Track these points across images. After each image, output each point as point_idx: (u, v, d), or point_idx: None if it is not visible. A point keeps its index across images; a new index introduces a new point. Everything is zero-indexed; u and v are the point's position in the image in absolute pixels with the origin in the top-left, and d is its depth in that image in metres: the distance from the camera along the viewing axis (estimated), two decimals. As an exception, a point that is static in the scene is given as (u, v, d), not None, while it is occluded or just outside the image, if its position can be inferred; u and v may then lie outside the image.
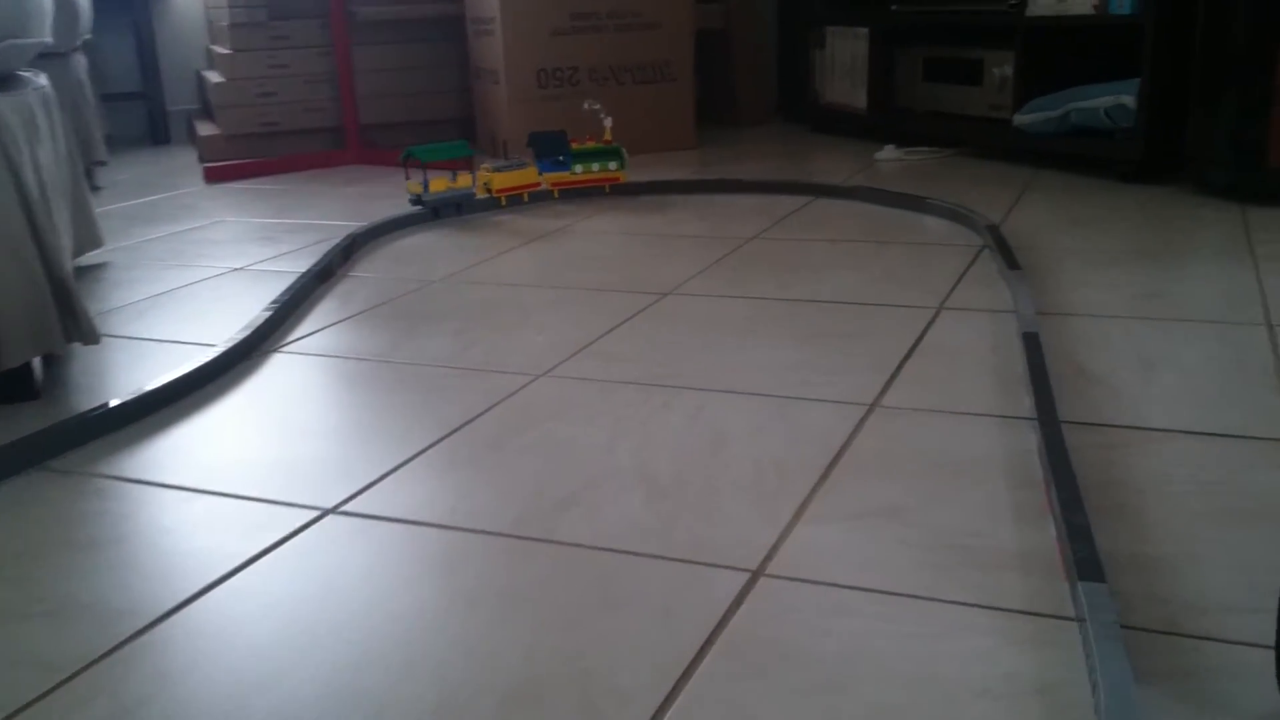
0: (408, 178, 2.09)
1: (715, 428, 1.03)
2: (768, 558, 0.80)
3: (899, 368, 1.15)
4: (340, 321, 1.42)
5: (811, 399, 1.09)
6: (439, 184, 2.02)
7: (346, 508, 0.91)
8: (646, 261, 1.66)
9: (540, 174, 2.09)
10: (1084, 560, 0.72)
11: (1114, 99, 1.91)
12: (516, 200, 2.12)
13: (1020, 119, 2.15)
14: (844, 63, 2.70)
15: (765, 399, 1.10)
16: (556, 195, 2.14)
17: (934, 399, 1.07)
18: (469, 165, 2.19)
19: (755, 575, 0.78)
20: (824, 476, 0.92)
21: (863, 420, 1.03)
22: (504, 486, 0.94)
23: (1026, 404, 1.04)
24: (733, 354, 1.23)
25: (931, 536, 0.81)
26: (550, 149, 2.07)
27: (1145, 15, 1.85)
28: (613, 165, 2.11)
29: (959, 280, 1.46)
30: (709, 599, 0.75)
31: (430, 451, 1.01)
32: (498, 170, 2.07)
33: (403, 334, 1.36)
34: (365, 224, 1.94)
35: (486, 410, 1.11)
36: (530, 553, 0.83)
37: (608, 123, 2.11)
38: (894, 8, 2.51)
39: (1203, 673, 0.64)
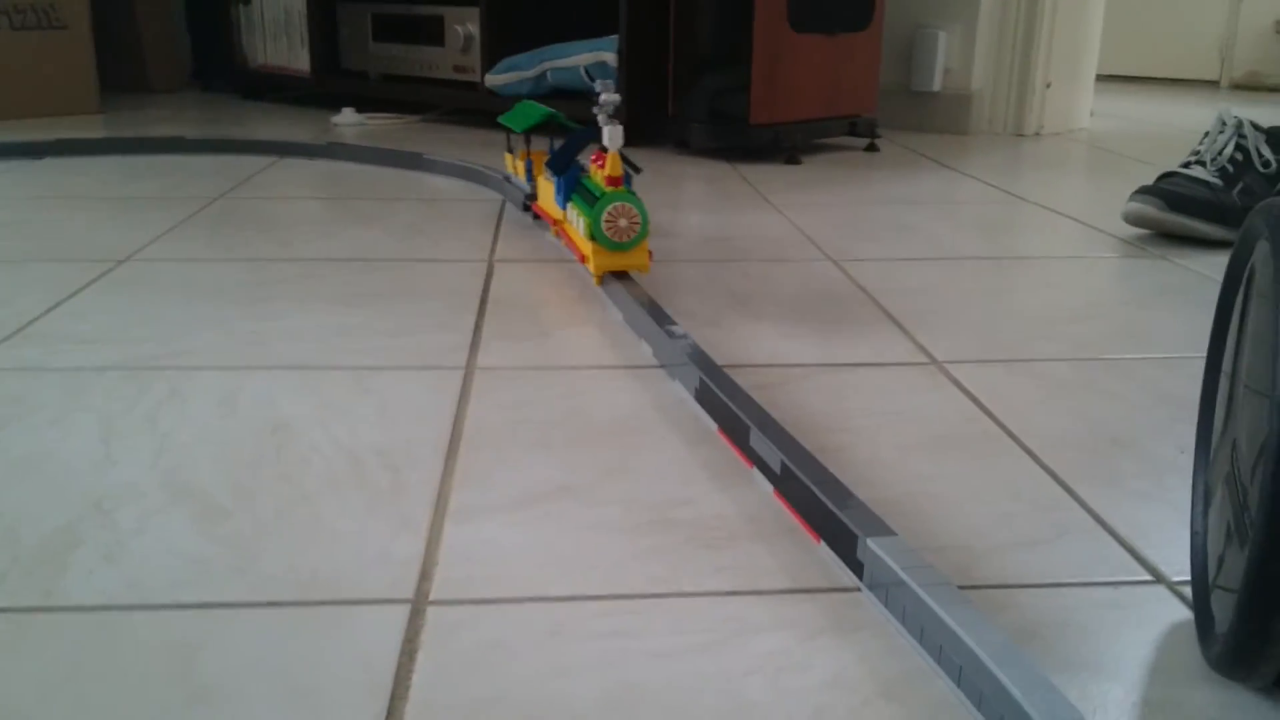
0: (510, 150, 1.43)
1: (268, 415, 0.73)
2: (424, 577, 0.54)
3: (478, 325, 0.93)
4: None
5: (389, 367, 0.82)
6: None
7: None
8: (78, 225, 1.25)
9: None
10: (859, 513, 0.55)
11: (594, 55, 1.84)
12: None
13: (492, 80, 2.00)
14: (276, 20, 2.38)
15: (326, 373, 0.81)
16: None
17: (537, 355, 0.86)
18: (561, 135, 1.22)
19: (417, 606, 0.51)
20: (451, 456, 0.67)
21: (466, 386, 0.79)
22: (-60, 535, 0.56)
23: (647, 351, 0.87)
24: (252, 323, 0.92)
25: (631, 514, 0.61)
26: (564, 162, 1.12)
27: (620, -30, 1.79)
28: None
29: (496, 234, 1.26)
30: (360, 658, 0.47)
31: None
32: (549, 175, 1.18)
33: None
34: None
35: (-126, 425, 0.69)
36: (22, 632, 0.48)
37: (609, 137, 1.01)
38: (333, -40, 2.24)
39: (1041, 628, 0.51)
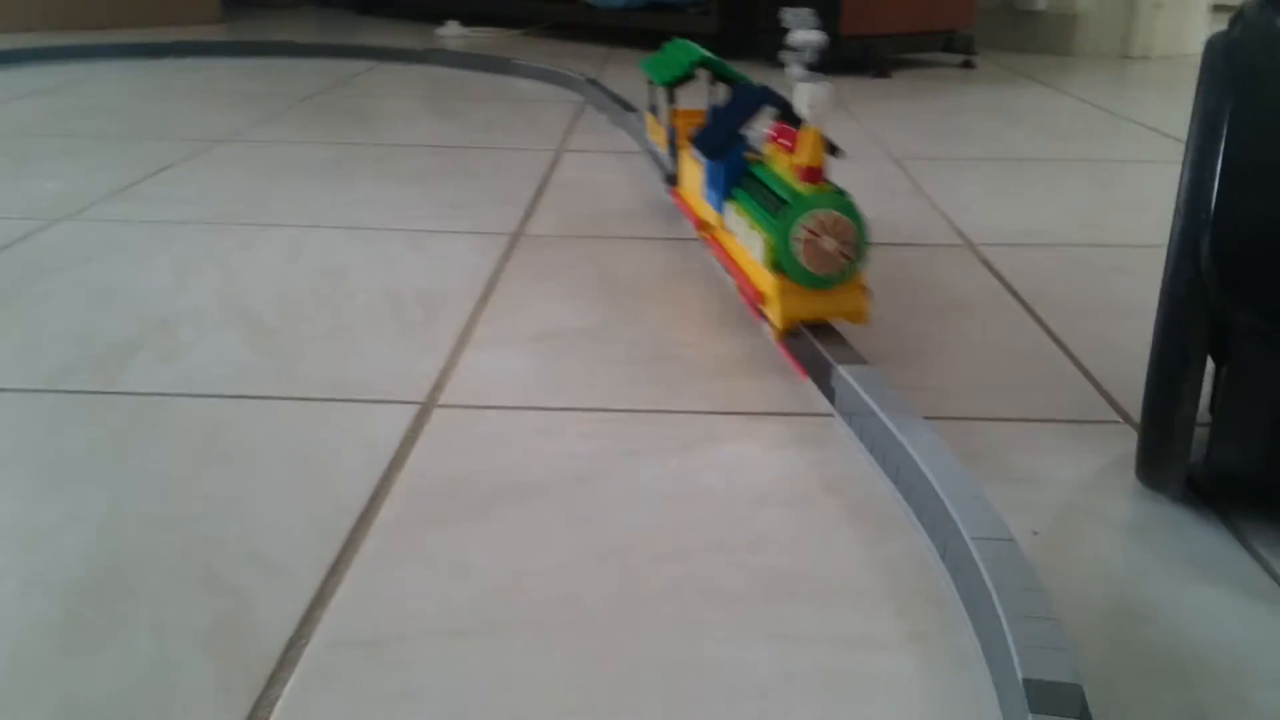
0: (654, 108, 1.03)
1: (326, 262, 0.80)
2: (437, 387, 0.60)
3: (535, 200, 0.98)
4: None
5: (443, 230, 0.88)
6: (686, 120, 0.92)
7: None
8: (185, 113, 1.34)
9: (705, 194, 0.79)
10: (837, 346, 0.59)
11: (688, -31, 1.86)
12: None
13: (591, -5, 2.04)
14: (393, -62, 2.45)
15: (385, 232, 0.87)
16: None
17: (583, 227, 0.90)
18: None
19: (426, 407, 0.57)
20: (483, 301, 0.73)
21: (511, 248, 0.84)
22: (28, 337, 0.65)
23: (688, 227, 0.91)
24: (327, 193, 0.99)
25: (637, 350, 0.65)
26: (720, 139, 0.74)
27: (716, -119, 1.80)
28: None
29: (570, 129, 1.31)
30: (367, 440, 0.53)
31: (-103, 304, 0.68)
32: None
33: None
34: None
35: (-16, 257, 0.78)
36: (83, 408, 0.56)
37: (808, 101, 0.62)
38: (446, -123, 2.30)
39: (994, 448, 0.54)
